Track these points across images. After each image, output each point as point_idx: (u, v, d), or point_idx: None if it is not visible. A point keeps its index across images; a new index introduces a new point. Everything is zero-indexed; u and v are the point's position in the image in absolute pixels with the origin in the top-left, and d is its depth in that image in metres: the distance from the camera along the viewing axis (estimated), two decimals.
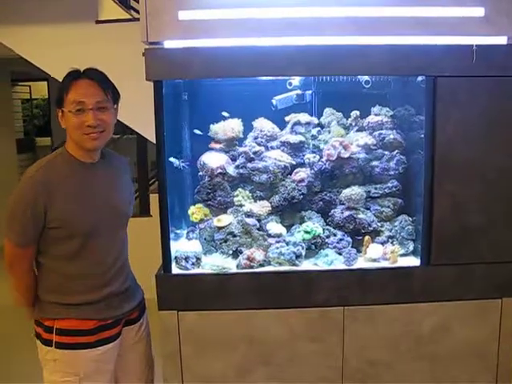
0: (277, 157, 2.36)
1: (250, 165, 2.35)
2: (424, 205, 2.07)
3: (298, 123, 2.44)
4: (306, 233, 2.19)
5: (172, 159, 2.24)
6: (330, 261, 2.13)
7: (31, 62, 3.88)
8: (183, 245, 2.25)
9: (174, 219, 2.23)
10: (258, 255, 2.12)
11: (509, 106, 2.03)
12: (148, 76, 1.93)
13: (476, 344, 2.14)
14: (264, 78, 2.13)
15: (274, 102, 2.40)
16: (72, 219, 1.67)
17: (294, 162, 2.38)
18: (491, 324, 2.13)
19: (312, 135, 2.48)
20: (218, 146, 2.40)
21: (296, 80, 2.38)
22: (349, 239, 2.24)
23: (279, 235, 2.23)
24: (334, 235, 2.25)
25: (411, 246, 2.23)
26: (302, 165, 2.40)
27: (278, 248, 2.14)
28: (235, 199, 2.31)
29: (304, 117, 2.45)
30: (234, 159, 2.40)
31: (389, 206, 2.32)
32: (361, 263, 2.17)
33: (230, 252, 2.20)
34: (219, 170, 2.31)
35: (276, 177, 2.33)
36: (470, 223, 2.07)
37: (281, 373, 2.11)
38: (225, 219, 2.25)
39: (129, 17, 4.13)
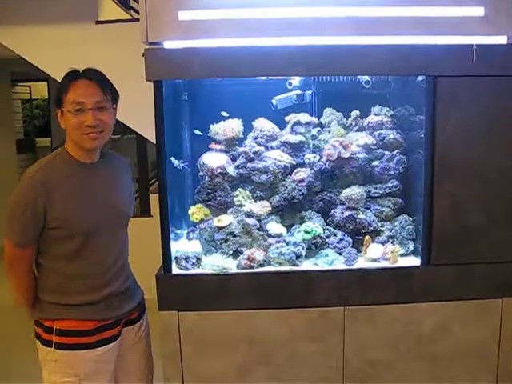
0: (277, 157, 2.36)
1: (250, 165, 2.35)
2: (424, 205, 2.07)
3: (298, 123, 2.44)
4: (306, 233, 2.19)
5: (172, 159, 2.24)
6: (330, 261, 2.13)
7: (31, 62, 3.88)
8: (183, 245, 2.25)
9: (174, 219, 2.23)
10: (259, 255, 2.12)
11: (509, 106, 2.03)
12: (148, 76, 1.93)
13: (476, 344, 2.14)
14: (264, 78, 2.13)
15: (273, 102, 2.40)
16: (72, 219, 1.66)
17: (294, 162, 2.38)
18: (491, 324, 2.13)
19: (312, 135, 2.48)
20: (218, 146, 2.40)
21: (296, 80, 2.38)
22: (349, 239, 2.24)
23: (279, 235, 2.23)
24: (335, 235, 2.25)
25: (411, 246, 2.23)
26: (302, 165, 2.40)
27: (278, 248, 2.14)
28: (235, 199, 2.31)
29: (304, 117, 2.45)
30: (234, 159, 2.40)
31: (389, 206, 2.32)
32: (361, 263, 2.17)
33: (231, 252, 2.20)
34: (219, 170, 2.31)
35: (276, 177, 2.33)
36: (470, 223, 2.07)
37: (281, 373, 2.11)
38: (225, 219, 2.25)
39: (129, 17, 4.13)
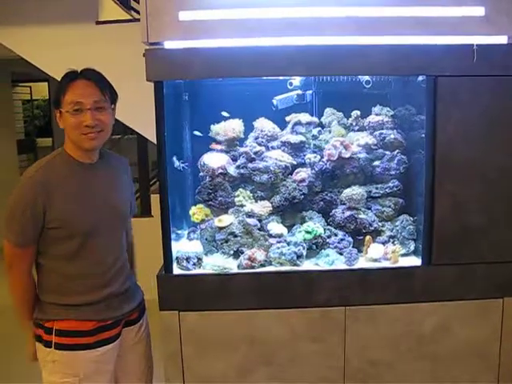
0: (277, 157, 2.36)
1: (250, 165, 2.35)
2: (425, 204, 2.07)
3: (298, 123, 2.44)
4: (306, 233, 2.19)
5: (173, 159, 2.24)
6: (331, 261, 2.12)
7: (31, 62, 3.88)
8: (184, 245, 2.25)
9: (175, 219, 2.23)
10: (259, 255, 2.12)
11: (510, 106, 2.02)
12: (148, 76, 1.93)
13: (477, 344, 2.14)
14: (264, 78, 2.13)
15: (274, 102, 2.40)
16: (71, 219, 1.66)
17: (294, 162, 2.38)
18: (492, 324, 2.13)
19: (313, 135, 2.48)
20: (218, 147, 2.40)
21: (296, 80, 2.38)
22: (350, 239, 2.24)
23: (280, 235, 2.23)
24: (335, 235, 2.25)
25: (412, 246, 2.23)
26: (302, 165, 2.40)
27: (279, 248, 2.14)
28: (236, 199, 2.31)
29: (305, 117, 2.45)
30: (234, 159, 2.40)
31: (390, 206, 2.32)
32: (362, 263, 2.17)
33: (231, 252, 2.20)
34: (220, 171, 2.31)
35: (277, 177, 2.33)
36: (471, 223, 2.07)
37: (282, 373, 2.11)
38: (226, 219, 2.25)
39: (129, 17, 4.13)
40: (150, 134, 3.62)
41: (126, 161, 1.97)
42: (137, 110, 2.89)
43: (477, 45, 1.94)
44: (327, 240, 2.23)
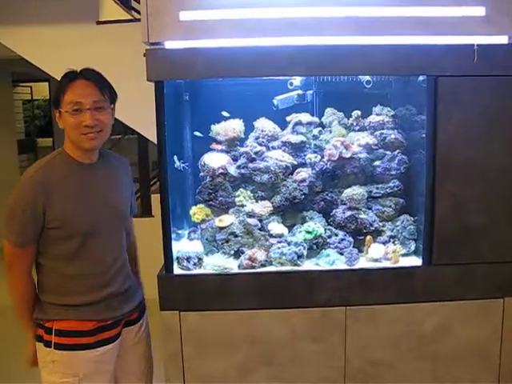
0: (278, 157, 2.36)
1: (251, 165, 2.35)
2: (425, 204, 2.07)
3: (299, 123, 2.44)
4: (307, 233, 2.19)
5: (174, 159, 2.24)
6: (331, 261, 2.12)
7: (32, 62, 3.88)
8: (185, 245, 2.25)
9: (175, 219, 2.23)
10: (260, 255, 2.12)
11: (510, 106, 2.02)
12: (149, 76, 1.93)
13: (478, 344, 2.14)
14: (265, 78, 2.13)
15: (275, 102, 2.40)
16: (71, 219, 1.66)
17: (295, 162, 2.38)
18: (493, 324, 2.13)
19: (313, 135, 2.48)
20: (219, 147, 2.40)
21: (297, 80, 2.38)
22: (350, 239, 2.24)
23: (281, 235, 2.23)
24: (336, 235, 2.25)
25: (413, 246, 2.23)
26: (303, 165, 2.40)
27: (279, 248, 2.14)
28: (237, 199, 2.31)
29: (305, 117, 2.45)
30: (235, 159, 2.40)
31: (390, 206, 2.31)
32: (362, 263, 2.17)
33: (232, 252, 2.20)
34: (221, 171, 2.31)
35: (277, 177, 2.33)
36: (472, 223, 2.07)
37: (282, 373, 2.11)
38: (226, 219, 2.25)
39: (130, 17, 4.13)
40: (151, 134, 3.62)
41: (127, 161, 1.97)
42: (137, 110, 2.89)
43: (477, 45, 1.94)
44: (328, 240, 2.23)
